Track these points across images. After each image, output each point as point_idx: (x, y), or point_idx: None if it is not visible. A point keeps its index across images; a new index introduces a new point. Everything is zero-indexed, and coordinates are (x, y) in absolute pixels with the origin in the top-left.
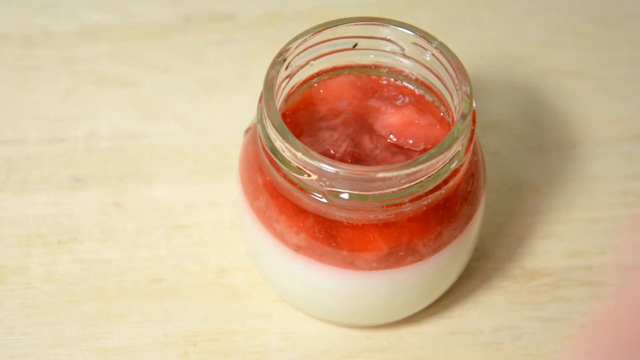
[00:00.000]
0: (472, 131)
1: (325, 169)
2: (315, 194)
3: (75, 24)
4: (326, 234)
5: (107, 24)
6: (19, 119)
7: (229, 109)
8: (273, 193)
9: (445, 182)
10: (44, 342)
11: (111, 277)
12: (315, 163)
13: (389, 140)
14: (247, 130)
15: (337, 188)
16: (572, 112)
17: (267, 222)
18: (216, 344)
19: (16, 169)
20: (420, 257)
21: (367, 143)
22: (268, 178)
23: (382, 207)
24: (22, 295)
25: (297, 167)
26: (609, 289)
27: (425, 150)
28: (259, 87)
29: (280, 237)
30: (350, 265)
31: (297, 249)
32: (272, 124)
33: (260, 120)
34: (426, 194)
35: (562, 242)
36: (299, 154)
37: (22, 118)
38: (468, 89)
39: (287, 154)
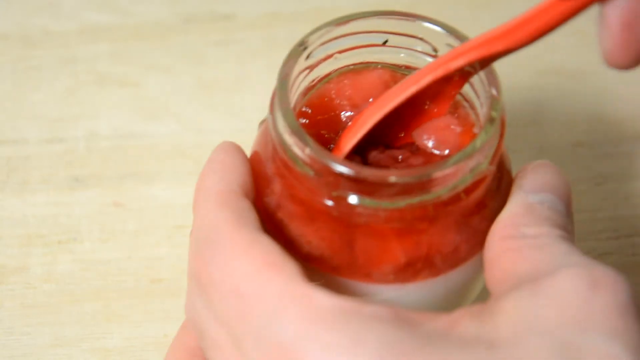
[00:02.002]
0: (500, 141)
1: (332, 167)
2: (323, 197)
3: (75, 24)
4: (340, 241)
5: (107, 24)
6: (19, 119)
7: (229, 109)
8: (283, 192)
9: (467, 192)
10: (44, 342)
11: (111, 277)
12: (323, 160)
13: (416, 142)
14: (261, 123)
15: (345, 190)
16: (572, 112)
17: (276, 225)
18: None
19: (16, 169)
20: (437, 272)
21: (389, 142)
22: (278, 175)
23: (393, 214)
24: (22, 295)
25: (304, 163)
26: None
27: (449, 157)
28: (259, 87)
29: (289, 245)
30: (366, 277)
31: (307, 258)
32: (283, 116)
33: (271, 113)
34: (443, 204)
35: None
36: (307, 150)
37: (22, 118)
38: (496, 91)
39: (295, 149)
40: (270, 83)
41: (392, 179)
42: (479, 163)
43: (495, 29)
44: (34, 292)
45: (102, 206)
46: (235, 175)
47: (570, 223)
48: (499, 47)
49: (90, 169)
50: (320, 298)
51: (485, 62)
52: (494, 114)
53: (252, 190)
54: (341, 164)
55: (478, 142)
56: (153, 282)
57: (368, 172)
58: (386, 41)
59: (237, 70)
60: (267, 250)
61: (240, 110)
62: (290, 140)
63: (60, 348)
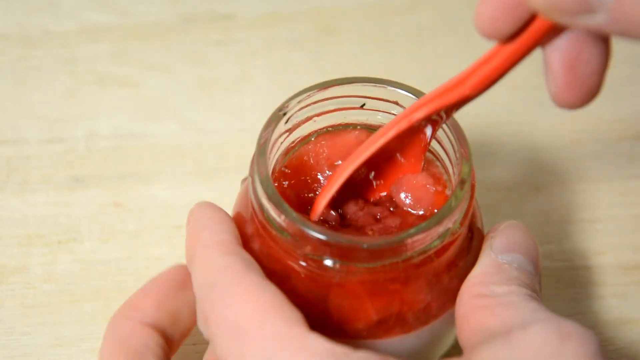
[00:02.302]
0: (470, 202)
1: (307, 233)
2: (299, 258)
3: (75, 24)
4: (314, 300)
5: (107, 24)
6: (19, 119)
7: (229, 109)
8: (262, 251)
9: (438, 254)
10: (44, 342)
11: (111, 277)
12: (298, 225)
13: (394, 198)
14: (244, 180)
15: (319, 253)
16: (572, 112)
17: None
18: None
19: (16, 169)
20: (409, 329)
21: (369, 194)
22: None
23: (367, 274)
24: (22, 295)
25: (280, 227)
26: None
27: (424, 217)
28: (259, 87)
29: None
30: (340, 334)
31: None
32: (261, 183)
33: (250, 176)
34: (414, 266)
35: (562, 242)
36: (282, 216)
37: (22, 118)
38: (465, 153)
39: (271, 213)
40: (270, 83)
41: (365, 245)
42: (447, 228)
43: (451, 79)
44: (34, 292)
45: (102, 206)
46: (229, 228)
47: (537, 282)
48: (454, 97)
49: (90, 169)
50: (315, 342)
51: (447, 111)
52: (463, 177)
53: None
54: (316, 230)
55: (448, 208)
56: None
57: (341, 238)
58: (364, 104)
59: (237, 70)
60: (273, 295)
61: (240, 110)
62: (267, 205)
63: (60, 348)
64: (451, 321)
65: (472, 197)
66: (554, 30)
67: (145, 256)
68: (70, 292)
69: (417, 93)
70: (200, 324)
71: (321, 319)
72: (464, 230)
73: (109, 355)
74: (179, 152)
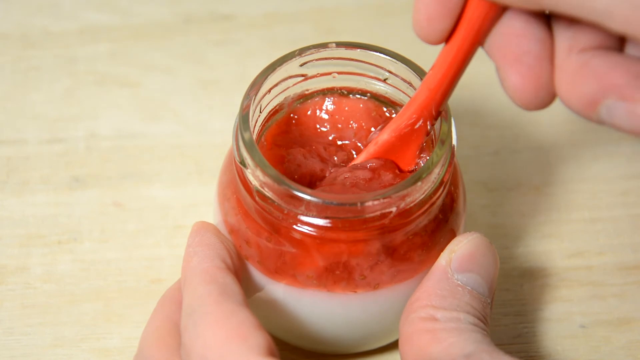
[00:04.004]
0: (445, 186)
1: (287, 191)
2: (274, 211)
3: (75, 24)
4: (272, 245)
5: (107, 24)
6: (19, 119)
7: (229, 109)
8: (242, 207)
9: (396, 226)
10: (44, 342)
11: (111, 277)
12: (278, 184)
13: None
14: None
15: (303, 210)
16: (572, 112)
17: (234, 234)
18: None
19: (16, 169)
20: (356, 287)
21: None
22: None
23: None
24: (22, 295)
25: (260, 180)
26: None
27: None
28: None
29: (238, 246)
30: (292, 279)
31: (247, 258)
32: (245, 144)
33: (234, 139)
34: (371, 226)
35: (562, 242)
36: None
37: (22, 118)
38: (445, 110)
39: (258, 173)
40: None
41: (327, 202)
42: (409, 201)
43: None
44: (34, 292)
45: (102, 206)
46: (217, 252)
47: (488, 304)
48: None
49: (90, 169)
50: None
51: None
52: (442, 137)
53: (235, 258)
54: (296, 189)
55: (402, 185)
56: (153, 282)
57: (303, 192)
58: (387, 79)
59: (237, 70)
60: (242, 321)
61: None
62: (250, 161)
63: (60, 348)
64: (399, 301)
65: (444, 184)
66: (488, 22)
67: (145, 256)
68: (70, 292)
69: (390, 54)
70: (181, 352)
71: (280, 265)
72: (429, 208)
73: (155, 329)
74: (179, 152)
